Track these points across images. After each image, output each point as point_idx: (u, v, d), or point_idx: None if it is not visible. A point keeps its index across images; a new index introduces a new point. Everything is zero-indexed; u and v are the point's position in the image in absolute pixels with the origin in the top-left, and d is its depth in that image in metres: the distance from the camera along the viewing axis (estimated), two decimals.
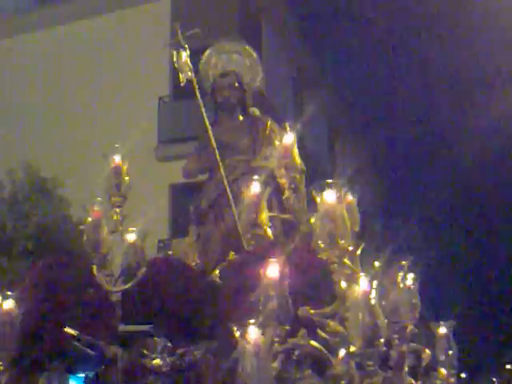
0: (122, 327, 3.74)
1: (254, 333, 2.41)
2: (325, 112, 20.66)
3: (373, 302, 2.79)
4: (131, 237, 3.72)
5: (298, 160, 4.05)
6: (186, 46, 4.88)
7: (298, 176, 4.05)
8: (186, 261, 4.62)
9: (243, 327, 2.43)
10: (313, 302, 3.14)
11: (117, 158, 4.03)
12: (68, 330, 3.35)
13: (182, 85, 4.88)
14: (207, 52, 5.27)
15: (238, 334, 2.45)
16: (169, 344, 3.42)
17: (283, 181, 4.00)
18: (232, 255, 3.83)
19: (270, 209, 4.19)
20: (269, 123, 5.06)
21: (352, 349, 2.77)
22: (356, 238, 3.81)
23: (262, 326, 2.45)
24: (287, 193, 4.04)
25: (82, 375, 3.55)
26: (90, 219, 3.71)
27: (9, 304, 3.39)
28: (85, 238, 3.71)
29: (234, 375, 2.44)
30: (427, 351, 3.91)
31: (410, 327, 3.59)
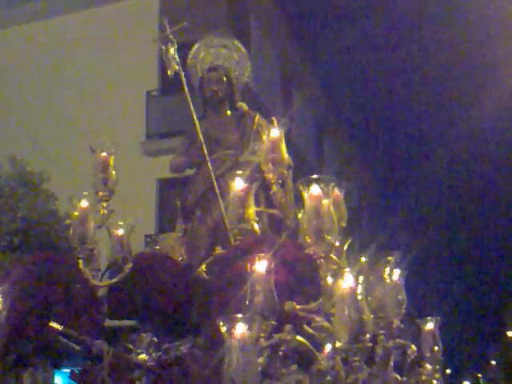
0: (108, 322, 3.73)
1: (240, 328, 2.40)
2: (313, 107, 20.69)
3: (359, 297, 2.79)
4: (118, 231, 3.71)
5: (285, 155, 4.04)
6: (174, 40, 4.87)
7: (285, 171, 4.05)
8: (173, 256, 4.61)
9: (229, 322, 2.43)
10: (299, 297, 3.14)
11: (104, 152, 4.01)
12: (53, 324, 3.33)
13: (169, 78, 4.87)
14: (195, 46, 5.26)
15: (224, 329, 2.44)
16: (155, 339, 3.41)
17: (270, 176, 3.99)
18: (218, 250, 3.81)
19: (257, 204, 4.18)
20: (257, 118, 5.06)
21: (338, 344, 2.77)
22: (343, 234, 3.82)
23: (248, 321, 2.45)
24: (274, 188, 4.03)
25: (68, 370, 3.54)
26: (76, 214, 3.69)
27: None
28: (71, 232, 3.70)
29: (220, 370, 2.44)
30: (413, 347, 3.92)
31: (396, 323, 3.59)
